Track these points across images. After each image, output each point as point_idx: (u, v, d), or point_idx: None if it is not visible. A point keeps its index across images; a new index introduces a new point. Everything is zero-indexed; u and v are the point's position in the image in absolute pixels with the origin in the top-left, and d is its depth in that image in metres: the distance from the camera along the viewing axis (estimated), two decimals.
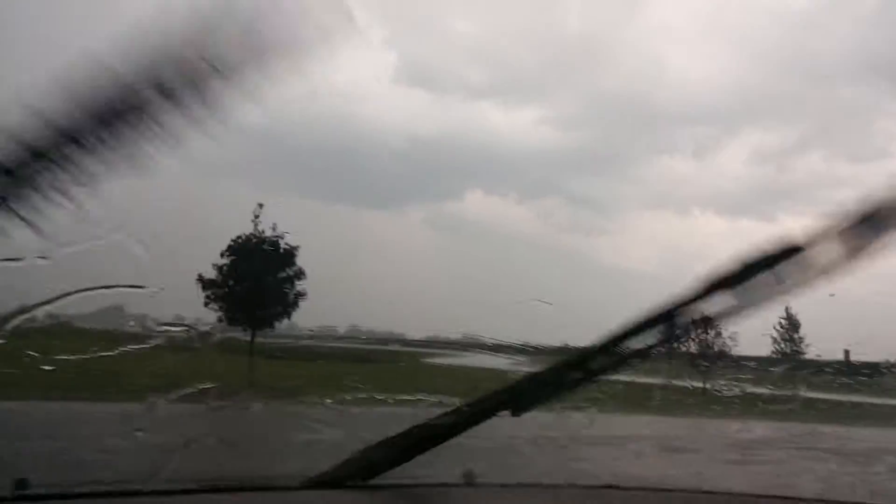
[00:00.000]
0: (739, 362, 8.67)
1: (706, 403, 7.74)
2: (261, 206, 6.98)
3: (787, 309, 11.23)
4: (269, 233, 6.85)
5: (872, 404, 7.81)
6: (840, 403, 7.76)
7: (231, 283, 6.66)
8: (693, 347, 9.36)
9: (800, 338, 10.26)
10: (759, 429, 5.77)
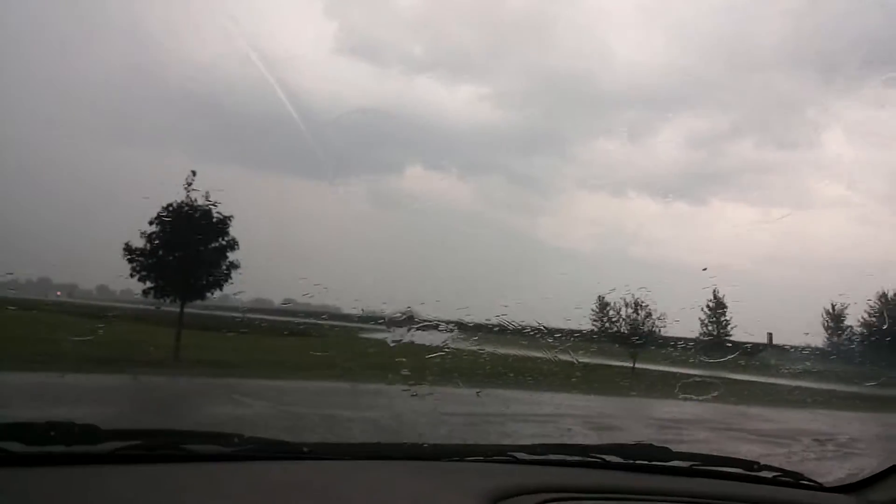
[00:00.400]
0: (668, 343, 8.90)
1: (634, 383, 7.95)
2: (193, 173, 6.75)
3: (714, 291, 11.58)
4: (201, 201, 6.65)
5: (792, 387, 8.13)
6: (763, 385, 8.07)
7: (160, 252, 6.46)
8: (624, 328, 9.59)
9: (726, 320, 10.58)
10: (686, 408, 5.95)
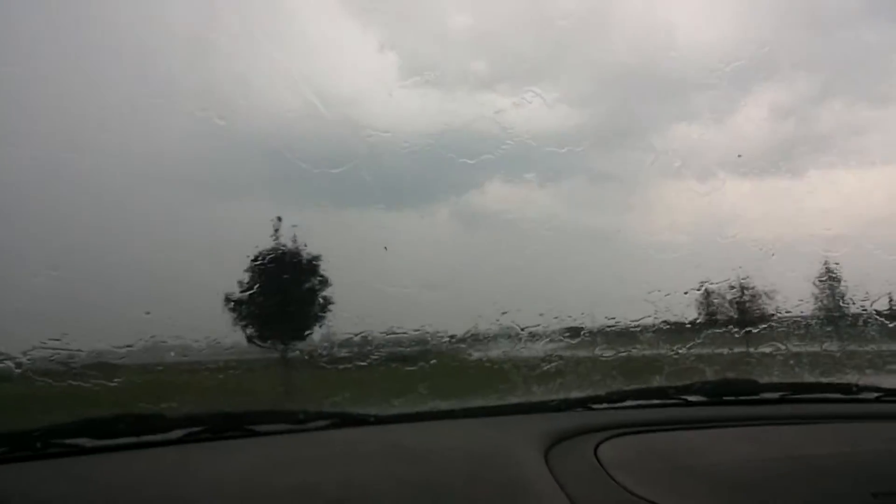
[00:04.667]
0: (783, 323, 8.45)
1: (751, 368, 7.63)
2: (279, 219, 6.91)
3: (825, 263, 10.96)
4: (289, 245, 6.82)
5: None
6: (872, 351, 7.59)
7: (258, 299, 6.64)
8: (733, 313, 9.17)
9: (842, 291, 9.96)
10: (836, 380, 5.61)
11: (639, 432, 1.00)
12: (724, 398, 1.13)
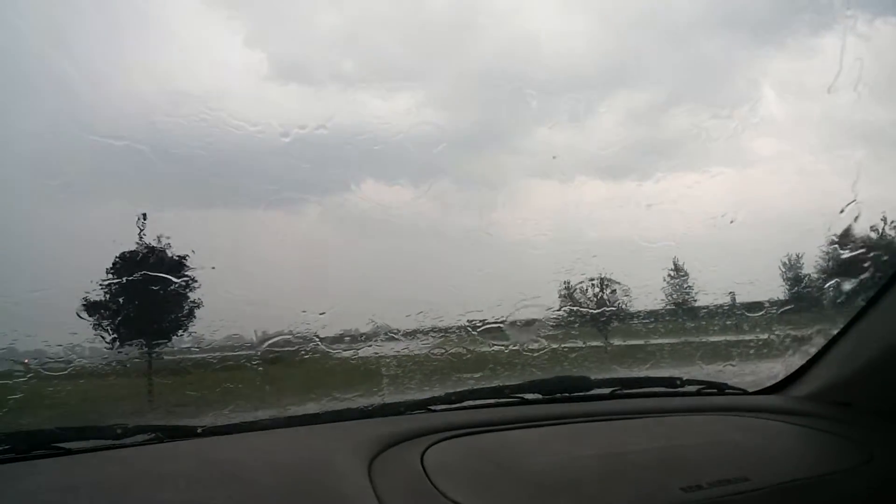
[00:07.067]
0: (637, 317, 8.93)
1: (608, 359, 8.03)
2: (144, 216, 6.61)
3: (674, 260, 11.67)
4: (154, 245, 6.53)
5: (758, 340, 8.24)
6: (733, 343, 8.17)
7: (120, 301, 6.32)
8: (591, 309, 9.60)
9: (689, 287, 10.67)
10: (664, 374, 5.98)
11: (470, 434, 1.00)
12: (559, 395, 1.16)
